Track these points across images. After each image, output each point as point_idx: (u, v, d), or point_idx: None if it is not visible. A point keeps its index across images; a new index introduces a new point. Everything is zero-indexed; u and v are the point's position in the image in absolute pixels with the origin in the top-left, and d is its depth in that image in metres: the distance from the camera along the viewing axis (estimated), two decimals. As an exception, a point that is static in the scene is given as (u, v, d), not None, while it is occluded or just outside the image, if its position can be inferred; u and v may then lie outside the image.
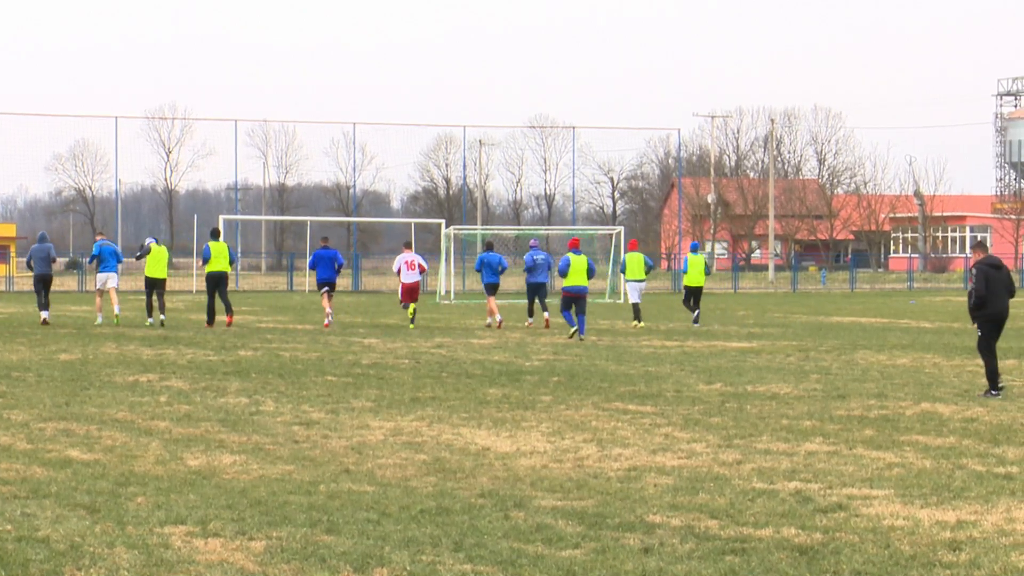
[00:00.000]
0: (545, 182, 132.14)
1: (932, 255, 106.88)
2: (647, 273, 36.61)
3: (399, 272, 34.70)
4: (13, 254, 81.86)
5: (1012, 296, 19.03)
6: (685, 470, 12.73)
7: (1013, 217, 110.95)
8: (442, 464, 13.03)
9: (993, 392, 18.84)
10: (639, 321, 35.83)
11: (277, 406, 17.37)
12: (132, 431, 15.10)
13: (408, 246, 35.63)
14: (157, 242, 35.17)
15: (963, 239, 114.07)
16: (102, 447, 13.95)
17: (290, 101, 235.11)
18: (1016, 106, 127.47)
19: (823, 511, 10.85)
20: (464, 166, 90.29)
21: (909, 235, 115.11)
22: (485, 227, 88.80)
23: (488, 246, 37.71)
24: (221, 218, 61.35)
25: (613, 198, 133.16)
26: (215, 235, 34.80)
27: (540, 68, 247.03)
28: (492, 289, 35.93)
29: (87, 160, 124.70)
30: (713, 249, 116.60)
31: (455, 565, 9.11)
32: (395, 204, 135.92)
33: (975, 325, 19.18)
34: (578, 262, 30.83)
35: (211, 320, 33.94)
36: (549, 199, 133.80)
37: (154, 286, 34.27)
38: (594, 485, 11.95)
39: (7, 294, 60.80)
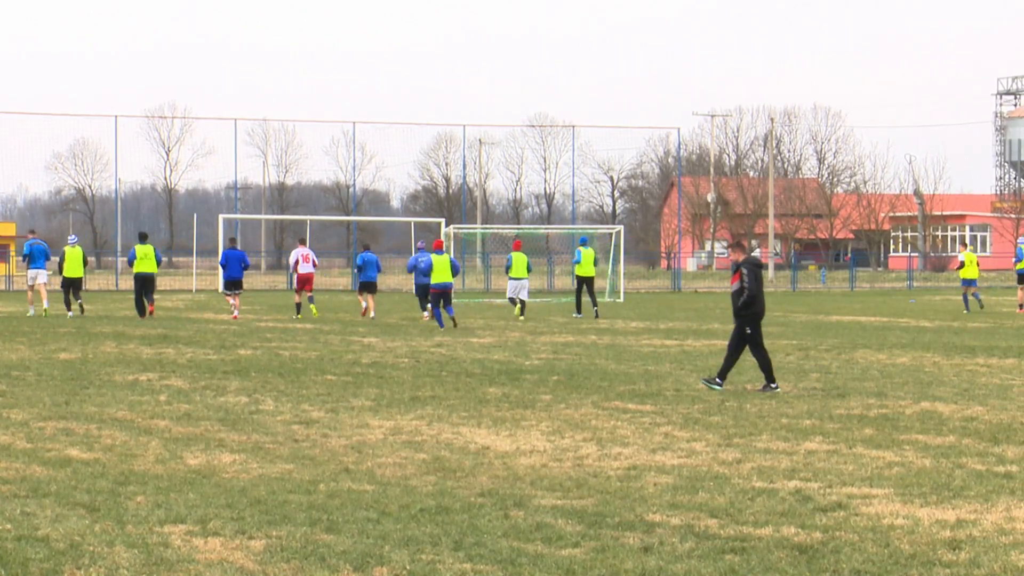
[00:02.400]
0: (545, 181, 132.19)
1: (932, 254, 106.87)
2: (528, 272, 39.23)
3: (296, 265, 38.75)
4: (13, 253, 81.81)
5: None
6: (685, 469, 12.73)
7: (1013, 216, 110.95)
8: (442, 463, 13.03)
9: (772, 386, 19.18)
10: (521, 314, 38.74)
11: (277, 405, 17.38)
12: (132, 430, 15.10)
13: (303, 242, 40.30)
14: (73, 244, 38.68)
15: (963, 238, 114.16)
16: (102, 446, 13.95)
17: (290, 100, 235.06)
18: (1016, 105, 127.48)
19: (823, 510, 10.85)
20: (464, 165, 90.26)
21: (909, 234, 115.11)
22: (485, 226, 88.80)
23: (365, 247, 40.84)
24: (221, 217, 61.39)
25: (613, 197, 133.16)
26: (142, 238, 38.34)
27: (540, 67, 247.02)
28: (371, 288, 38.79)
29: (87, 159, 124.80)
30: (713, 248, 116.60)
31: (455, 564, 9.11)
32: (395, 203, 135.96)
33: (741, 323, 19.49)
34: (440, 261, 33.83)
35: (141, 313, 37.12)
36: (549, 198, 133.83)
37: (70, 284, 37.95)
38: (594, 484, 11.95)
39: (7, 293, 60.76)
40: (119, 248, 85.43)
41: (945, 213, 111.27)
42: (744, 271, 19.24)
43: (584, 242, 41.11)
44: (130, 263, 38.04)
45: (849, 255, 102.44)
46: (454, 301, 35.79)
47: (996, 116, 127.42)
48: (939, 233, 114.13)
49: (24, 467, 12.67)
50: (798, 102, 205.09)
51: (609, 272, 59.06)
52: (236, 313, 37.57)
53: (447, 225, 60.53)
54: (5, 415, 16.23)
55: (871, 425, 15.68)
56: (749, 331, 19.36)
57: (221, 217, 62.02)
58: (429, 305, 35.65)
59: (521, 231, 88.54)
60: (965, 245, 48.51)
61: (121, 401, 17.69)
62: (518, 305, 38.93)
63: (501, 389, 19.35)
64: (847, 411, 16.96)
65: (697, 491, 11.60)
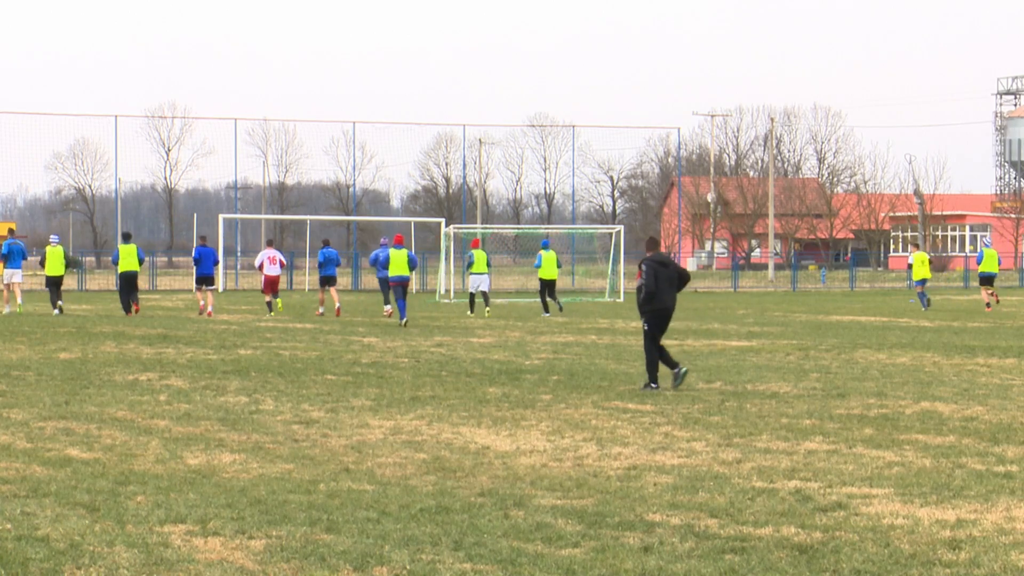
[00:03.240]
0: (545, 181, 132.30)
1: (932, 254, 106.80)
2: (488, 268, 41.13)
3: (261, 267, 40.06)
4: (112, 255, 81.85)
5: (684, 285, 19.80)
6: (685, 469, 12.73)
7: (1013, 216, 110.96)
8: (442, 463, 13.02)
9: (653, 386, 19.29)
10: (488, 308, 40.72)
11: (277, 405, 17.38)
12: (132, 430, 15.10)
13: (271, 243, 41.71)
14: (55, 244, 40.02)
15: (963, 238, 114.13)
16: (102, 446, 13.95)
17: (290, 100, 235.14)
18: (1016, 105, 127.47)
19: (823, 510, 10.85)
20: (464, 165, 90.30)
21: (909, 234, 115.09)
22: (485, 226, 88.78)
23: (325, 243, 42.20)
24: (221, 217, 61.42)
25: (613, 197, 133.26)
26: (126, 238, 39.64)
27: (540, 67, 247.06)
28: (331, 281, 39.94)
29: (87, 159, 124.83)
30: (713, 248, 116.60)
31: (455, 564, 9.11)
32: (395, 203, 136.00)
33: (643, 320, 19.63)
34: (399, 255, 35.43)
35: (127, 311, 38.14)
36: (549, 198, 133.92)
37: (54, 283, 39.37)
38: (594, 484, 11.95)
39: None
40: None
41: (945, 213, 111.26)
42: (643, 268, 19.45)
43: (545, 245, 42.85)
44: (114, 262, 39.30)
45: (849, 255, 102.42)
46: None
47: (996, 116, 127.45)
48: (939, 233, 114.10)
49: (24, 467, 12.67)
50: (798, 102, 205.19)
51: (609, 272, 59.06)
52: (210, 310, 38.73)
53: (447, 225, 60.48)
54: (5, 415, 16.23)
55: (871, 425, 15.68)
56: (648, 327, 19.47)
57: (221, 217, 62.04)
58: (390, 295, 37.13)
59: (521, 231, 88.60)
60: (917, 246, 49.21)
61: (121, 401, 17.69)
62: (479, 298, 40.88)
63: (501, 389, 19.35)
64: (847, 411, 16.96)
65: (697, 491, 11.60)
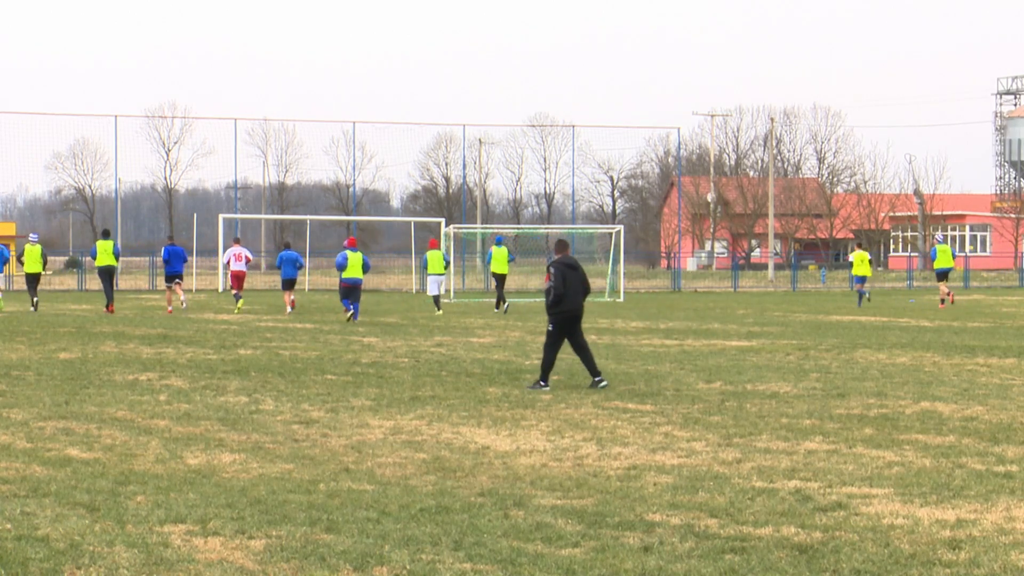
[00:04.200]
0: (545, 181, 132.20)
1: (932, 254, 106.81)
2: (445, 269, 41.98)
3: (228, 263, 42.10)
4: (13, 253, 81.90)
5: (587, 295, 19.94)
6: (685, 469, 12.73)
7: (1013, 216, 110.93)
8: (442, 463, 13.02)
9: (542, 383, 19.34)
10: (439, 310, 41.28)
11: (277, 405, 17.37)
12: (132, 430, 15.10)
13: (237, 241, 43.83)
14: (34, 242, 41.39)
15: (963, 238, 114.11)
16: (102, 446, 13.95)
17: (290, 100, 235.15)
18: (1016, 105, 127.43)
19: (823, 510, 10.85)
20: (464, 165, 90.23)
21: (909, 234, 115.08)
22: (485, 226, 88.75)
23: (286, 245, 43.45)
24: (221, 217, 61.39)
25: (613, 197, 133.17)
26: (105, 235, 41.37)
27: (540, 67, 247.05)
28: (291, 284, 41.02)
29: (87, 159, 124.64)
30: (713, 248, 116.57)
31: (455, 564, 9.11)
32: (395, 203, 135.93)
33: (549, 321, 19.74)
34: (354, 258, 36.58)
35: (110, 304, 39.82)
36: (549, 198, 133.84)
37: (32, 279, 40.94)
38: (594, 484, 11.95)
39: (7, 292, 60.67)
40: (119, 248, 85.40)
41: (945, 213, 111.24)
42: (552, 271, 19.56)
43: (499, 241, 45.41)
44: (92, 256, 41.11)
45: (849, 255, 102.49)
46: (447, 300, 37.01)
47: (996, 116, 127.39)
48: (939, 233, 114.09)
49: (24, 467, 12.67)
50: (798, 102, 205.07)
51: (609, 272, 59.05)
52: (184, 303, 40.98)
53: (447, 225, 60.48)
54: (5, 415, 16.23)
55: (871, 425, 15.68)
56: (553, 328, 19.59)
57: (221, 217, 62.02)
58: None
59: (521, 231, 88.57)
60: (860, 245, 50.70)
61: (121, 401, 17.69)
62: (436, 301, 41.85)
63: (501, 389, 19.35)
64: (847, 411, 16.96)
65: (697, 491, 11.60)
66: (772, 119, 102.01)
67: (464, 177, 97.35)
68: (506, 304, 43.24)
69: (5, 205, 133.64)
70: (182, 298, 41.06)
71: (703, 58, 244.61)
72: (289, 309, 40.40)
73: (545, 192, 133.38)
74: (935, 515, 10.65)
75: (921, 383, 20.26)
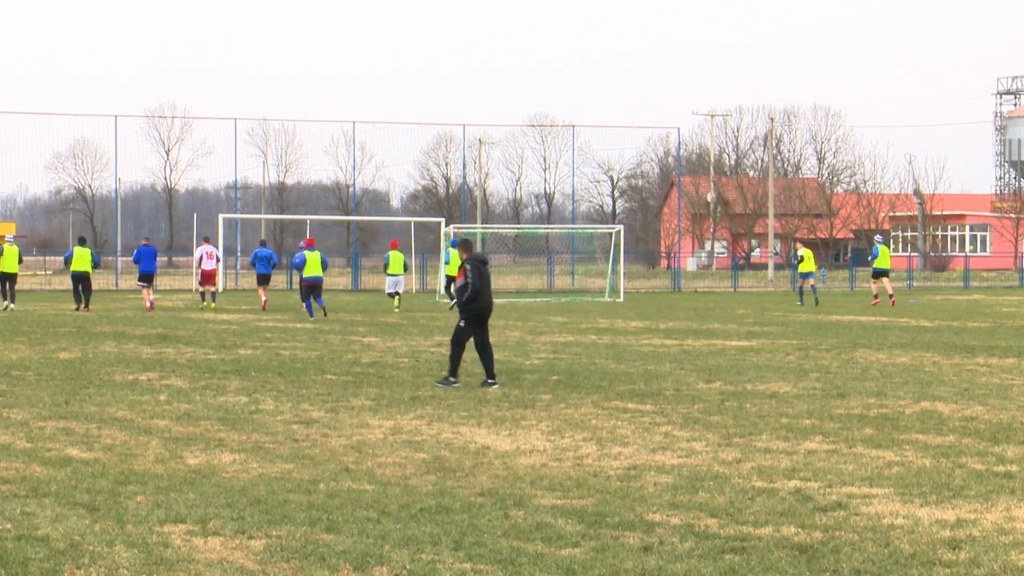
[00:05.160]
0: (545, 181, 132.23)
1: (932, 254, 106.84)
2: (404, 269, 44.41)
3: (200, 261, 43.52)
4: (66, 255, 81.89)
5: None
6: (685, 469, 12.73)
7: (1013, 216, 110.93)
8: (442, 463, 13.02)
9: (452, 380, 19.69)
10: (397, 307, 43.20)
11: (277, 405, 17.38)
12: (132, 430, 15.10)
13: (207, 240, 44.89)
14: (10, 243, 42.53)
15: (963, 238, 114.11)
16: (102, 446, 13.95)
17: (290, 99, 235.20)
18: (1016, 105, 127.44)
19: (823, 510, 10.85)
20: (464, 165, 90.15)
21: (909, 234, 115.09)
22: (485, 226, 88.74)
23: (261, 243, 45.63)
24: (221, 217, 61.37)
25: (613, 197, 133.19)
26: (82, 242, 43.32)
27: (540, 67, 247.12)
28: (265, 280, 42.86)
29: (87, 159, 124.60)
30: (713, 248, 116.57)
31: (455, 564, 9.11)
32: (395, 203, 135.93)
33: (461, 317, 19.96)
34: (313, 257, 38.20)
35: (78, 306, 41.53)
36: (549, 198, 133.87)
37: (6, 279, 41.56)
38: (594, 484, 11.95)
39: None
40: (119, 248, 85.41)
41: (945, 213, 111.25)
42: (468, 268, 19.80)
43: (454, 244, 45.58)
44: (66, 262, 42.75)
45: (849, 255, 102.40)
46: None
47: (996, 116, 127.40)
48: (939, 233, 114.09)
49: (24, 467, 12.67)
50: (798, 102, 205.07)
51: (609, 272, 59.05)
52: (150, 304, 41.80)
53: (447, 225, 60.47)
54: (5, 415, 16.23)
55: (871, 425, 15.68)
56: (464, 324, 19.84)
57: (221, 217, 61.98)
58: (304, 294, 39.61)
59: (521, 231, 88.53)
60: (803, 244, 51.16)
61: (121, 401, 17.69)
62: (396, 298, 43.87)
63: (501, 389, 19.35)
64: (847, 411, 16.96)
65: (697, 491, 11.60)
66: (772, 119, 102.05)
67: (464, 177, 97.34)
68: (452, 304, 44.19)
69: (5, 205, 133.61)
70: (147, 300, 42.11)
71: (703, 58, 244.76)
72: (264, 299, 42.42)
73: (545, 192, 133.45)
74: (935, 515, 10.65)
75: (921, 383, 20.26)
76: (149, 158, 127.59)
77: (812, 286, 49.14)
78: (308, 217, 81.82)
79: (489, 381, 19.72)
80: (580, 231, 77.14)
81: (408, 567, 8.99)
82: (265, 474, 12.37)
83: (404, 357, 24.57)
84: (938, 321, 37.79)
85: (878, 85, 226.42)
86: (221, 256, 45.52)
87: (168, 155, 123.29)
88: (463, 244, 20.47)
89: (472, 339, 20.03)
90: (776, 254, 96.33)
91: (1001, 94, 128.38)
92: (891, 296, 46.83)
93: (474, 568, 9.02)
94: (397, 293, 44.14)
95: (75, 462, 12.91)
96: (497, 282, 70.02)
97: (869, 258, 48.46)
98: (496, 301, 42.84)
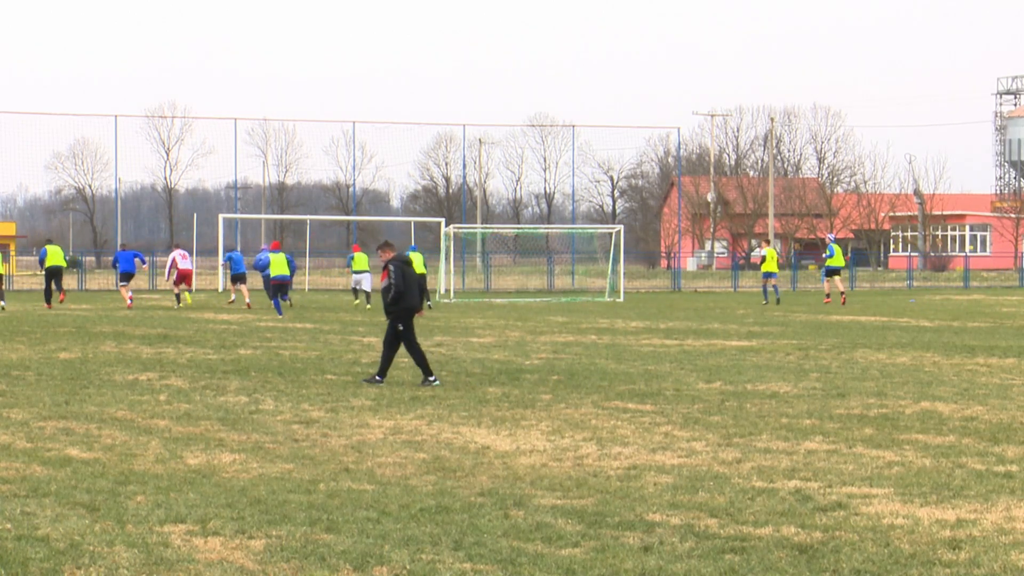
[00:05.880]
0: (545, 181, 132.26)
1: (932, 254, 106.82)
2: (368, 268, 46.27)
3: (174, 263, 45.73)
4: (13, 252, 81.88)
5: (423, 292, 20.71)
6: (685, 469, 12.73)
7: (1013, 216, 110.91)
8: (442, 463, 13.02)
9: (378, 379, 19.77)
10: (368, 304, 44.92)
11: (277, 405, 17.37)
12: (132, 430, 15.10)
13: (178, 245, 48.25)
14: None
15: (963, 238, 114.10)
16: (102, 446, 13.95)
17: (290, 99, 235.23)
18: (1016, 105, 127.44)
19: (823, 510, 10.85)
20: (464, 165, 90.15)
21: (909, 234, 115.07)
22: (485, 226, 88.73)
23: (231, 247, 49.05)
24: (221, 217, 61.37)
25: (613, 197, 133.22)
26: (49, 241, 46.20)
27: (540, 67, 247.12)
28: (242, 278, 45.49)
29: (87, 159, 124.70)
30: (713, 248, 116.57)
31: (455, 564, 9.11)
32: (395, 203, 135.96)
33: (392, 319, 20.06)
34: (277, 258, 40.62)
35: (49, 302, 43.54)
36: (549, 198, 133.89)
37: None
38: (594, 484, 11.95)
39: (7, 292, 60.69)
40: (69, 256, 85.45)
41: (945, 213, 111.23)
42: (391, 268, 19.88)
43: (413, 249, 48.44)
44: (41, 261, 44.72)
45: (849, 255, 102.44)
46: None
47: (996, 116, 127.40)
48: (939, 233, 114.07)
49: (24, 467, 12.67)
50: (798, 102, 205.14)
51: (609, 272, 59.05)
52: (130, 302, 43.72)
53: (447, 225, 60.46)
54: (5, 415, 16.22)
55: (871, 425, 15.68)
56: (401, 328, 19.87)
57: (221, 217, 61.99)
58: (271, 293, 41.70)
59: (521, 231, 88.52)
60: (768, 242, 54.21)
61: (121, 401, 17.69)
62: (361, 296, 45.95)
63: (501, 389, 19.35)
64: (847, 411, 16.96)
65: (697, 491, 11.60)
66: (772, 119, 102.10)
67: (464, 177, 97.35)
68: (429, 304, 45.54)
69: (5, 205, 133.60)
70: (127, 298, 43.93)
71: (703, 58, 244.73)
72: (232, 298, 45.62)
73: (545, 192, 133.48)
74: (935, 515, 10.65)
75: (921, 383, 20.26)
76: (149, 158, 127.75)
77: (775, 286, 49.61)
78: (308, 217, 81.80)
79: (429, 379, 19.77)
80: (580, 231, 77.14)
81: (408, 567, 8.99)
82: (265, 474, 12.37)
83: (404, 357, 24.54)
84: (938, 321, 37.80)
85: (878, 85, 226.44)
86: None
87: (168, 155, 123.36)
88: (385, 245, 20.53)
89: (386, 335, 20.13)
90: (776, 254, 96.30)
91: (1001, 94, 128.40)
92: (842, 294, 48.59)
93: (474, 568, 9.02)
94: (365, 291, 45.94)
95: (75, 462, 12.91)
96: (497, 282, 70.08)
97: (823, 256, 49.87)
98: (496, 301, 43.13)
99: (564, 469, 12.73)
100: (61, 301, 44.14)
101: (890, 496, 11.42)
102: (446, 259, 56.97)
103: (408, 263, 20.24)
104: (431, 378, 19.77)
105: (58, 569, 8.92)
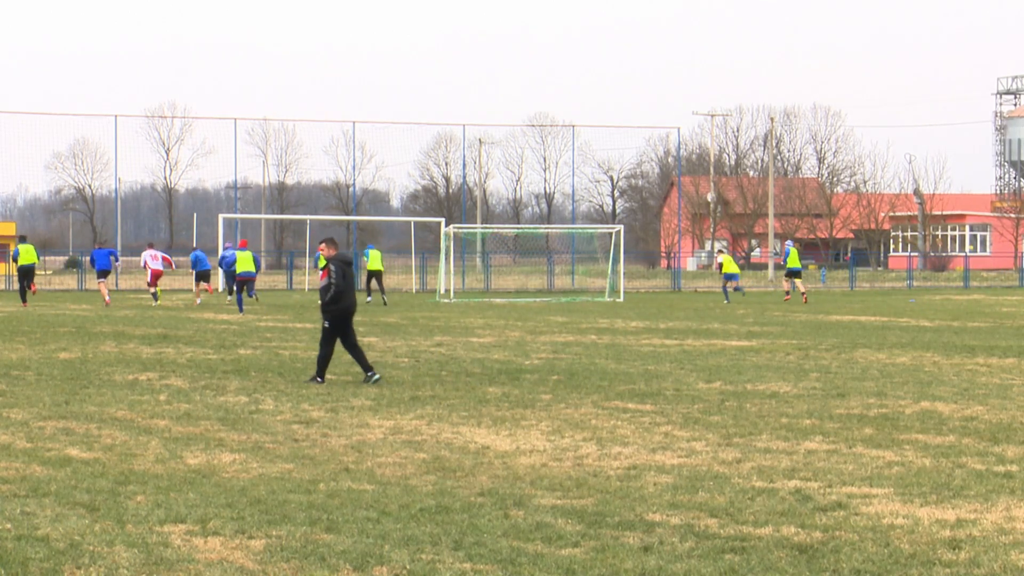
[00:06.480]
0: (545, 181, 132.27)
1: (931, 254, 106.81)
2: (256, 268, 46.27)
3: (145, 264, 47.56)
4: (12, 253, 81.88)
5: (381, 288, 21.21)
6: (685, 468, 12.73)
7: (1012, 216, 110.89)
8: (442, 463, 13.02)
9: (318, 379, 19.87)
10: (384, 303, 47.53)
11: (277, 404, 17.37)
12: (132, 430, 15.10)
13: (151, 245, 50.21)
14: None
15: (963, 238, 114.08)
16: (102, 446, 13.94)
17: (290, 99, 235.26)
18: (1016, 105, 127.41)
19: (823, 510, 10.85)
20: (464, 164, 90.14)
21: (909, 234, 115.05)
22: (485, 226, 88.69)
23: (195, 247, 50.24)
24: (221, 217, 61.35)
25: (613, 197, 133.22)
26: (23, 239, 47.08)
27: (540, 67, 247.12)
28: (206, 276, 47.42)
29: (87, 159, 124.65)
30: (713, 248, 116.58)
31: (455, 563, 9.11)
32: (395, 203, 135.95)
33: (326, 318, 20.10)
34: (244, 255, 43.27)
35: (24, 300, 44.55)
36: (549, 198, 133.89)
37: None
38: (593, 484, 11.95)
39: (7, 292, 60.66)
40: (119, 248, 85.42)
41: (945, 213, 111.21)
42: (332, 267, 19.91)
43: (371, 247, 52.00)
44: (14, 259, 45.86)
45: (849, 255, 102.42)
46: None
47: (996, 116, 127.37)
48: (939, 233, 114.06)
49: (24, 467, 12.67)
50: (798, 102, 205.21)
51: (609, 272, 59.04)
52: (108, 299, 45.37)
53: (447, 225, 60.45)
54: (5, 415, 16.22)
55: (871, 425, 15.68)
56: (329, 326, 19.98)
57: (221, 217, 61.95)
58: (235, 288, 43.97)
59: (521, 231, 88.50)
60: (722, 251, 56.52)
61: (121, 401, 17.69)
62: (376, 295, 48.28)
63: (501, 388, 19.35)
64: (847, 411, 16.96)
65: (697, 491, 11.60)
66: (772, 119, 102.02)
67: (464, 177, 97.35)
68: (379, 297, 48.71)
69: (5, 205, 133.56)
70: (105, 295, 45.52)
71: (703, 58, 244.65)
72: (198, 300, 46.63)
73: (545, 192, 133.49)
74: (935, 515, 10.65)
75: (921, 383, 20.26)
76: (149, 158, 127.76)
77: (736, 287, 52.11)
78: (308, 217, 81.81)
79: (369, 375, 19.88)
80: (580, 231, 77.13)
81: (408, 567, 8.99)
82: (265, 474, 12.37)
83: (404, 357, 24.56)
84: (938, 321, 37.80)
85: (878, 85, 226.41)
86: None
87: (168, 155, 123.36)
88: (329, 243, 20.54)
89: (340, 341, 20.13)
90: (776, 254, 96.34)
91: (1001, 94, 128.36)
92: (803, 294, 51.19)
93: (474, 568, 9.02)
94: (377, 290, 47.62)
95: (75, 462, 12.91)
96: (497, 282, 70.07)
97: (781, 260, 52.46)
98: (496, 301, 43.11)
99: (564, 469, 12.73)
100: (33, 292, 45.29)
101: (890, 496, 11.42)
102: (446, 259, 56.95)
103: (349, 263, 20.33)
104: (370, 373, 19.91)
105: (58, 569, 8.92)
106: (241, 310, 40.98)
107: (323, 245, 20.51)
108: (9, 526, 10.10)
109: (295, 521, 10.31)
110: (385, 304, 47.29)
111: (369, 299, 48.71)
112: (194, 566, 9.02)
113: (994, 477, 12.31)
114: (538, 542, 9.71)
